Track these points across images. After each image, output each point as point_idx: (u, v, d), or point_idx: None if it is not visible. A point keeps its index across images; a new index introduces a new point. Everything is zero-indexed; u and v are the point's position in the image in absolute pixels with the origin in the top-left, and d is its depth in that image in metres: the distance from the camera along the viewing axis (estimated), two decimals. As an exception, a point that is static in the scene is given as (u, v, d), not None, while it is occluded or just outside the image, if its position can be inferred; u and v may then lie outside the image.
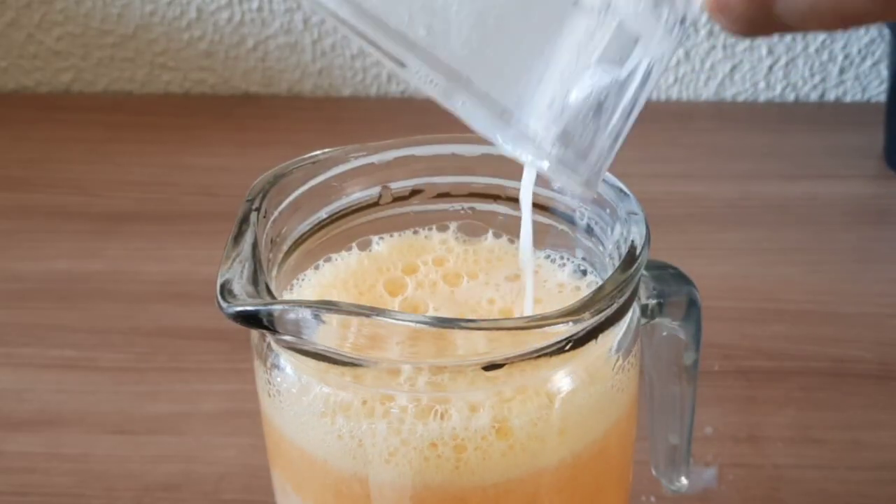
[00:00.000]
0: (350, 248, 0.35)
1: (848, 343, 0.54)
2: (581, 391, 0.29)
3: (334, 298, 0.33)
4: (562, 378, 0.29)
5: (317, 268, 0.35)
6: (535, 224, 0.35)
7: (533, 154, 0.25)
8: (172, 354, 0.54)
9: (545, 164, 0.25)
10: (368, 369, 0.28)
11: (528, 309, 0.31)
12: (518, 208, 0.33)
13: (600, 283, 0.30)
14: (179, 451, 0.48)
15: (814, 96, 0.82)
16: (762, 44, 0.80)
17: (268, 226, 0.32)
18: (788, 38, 0.80)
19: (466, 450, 0.28)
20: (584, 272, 0.34)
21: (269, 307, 0.27)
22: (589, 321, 0.28)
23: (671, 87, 0.82)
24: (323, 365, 0.28)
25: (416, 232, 0.36)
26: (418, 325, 0.27)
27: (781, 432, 0.48)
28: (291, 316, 0.27)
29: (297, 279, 0.34)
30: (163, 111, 0.81)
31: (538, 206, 0.35)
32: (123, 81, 0.84)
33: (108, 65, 0.83)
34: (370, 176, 0.35)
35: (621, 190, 0.32)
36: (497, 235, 0.36)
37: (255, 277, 0.28)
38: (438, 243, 0.36)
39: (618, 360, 0.30)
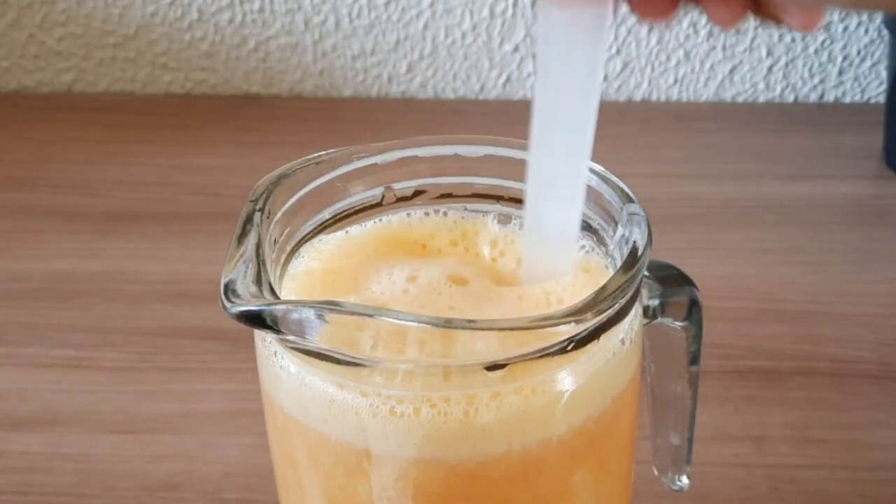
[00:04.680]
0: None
1: (847, 343, 0.55)
2: (583, 391, 0.29)
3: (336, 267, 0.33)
4: (564, 378, 0.29)
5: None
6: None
7: None
8: (174, 354, 0.54)
9: None
10: (371, 369, 0.28)
11: None
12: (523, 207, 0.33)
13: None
14: (181, 451, 0.48)
15: (813, 97, 0.82)
16: (762, 45, 0.80)
17: (271, 226, 0.32)
18: (788, 38, 0.80)
19: (469, 442, 0.28)
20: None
21: (273, 307, 0.27)
22: (591, 321, 0.28)
23: (671, 88, 0.82)
24: (326, 365, 0.28)
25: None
26: (421, 325, 0.27)
27: (781, 432, 0.49)
28: (295, 316, 0.27)
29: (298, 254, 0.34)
30: (164, 111, 0.81)
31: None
32: (125, 82, 0.84)
33: (109, 65, 0.83)
34: (373, 177, 0.35)
35: (623, 191, 0.32)
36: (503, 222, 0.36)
37: (259, 277, 0.28)
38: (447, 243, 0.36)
39: (620, 360, 0.30)
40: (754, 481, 0.46)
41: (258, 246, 0.29)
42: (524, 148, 0.34)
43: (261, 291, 0.28)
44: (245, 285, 0.28)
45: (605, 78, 0.80)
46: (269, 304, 0.27)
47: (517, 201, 0.35)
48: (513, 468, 0.29)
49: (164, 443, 0.48)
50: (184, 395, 0.51)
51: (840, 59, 0.81)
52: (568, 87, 0.29)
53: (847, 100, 0.82)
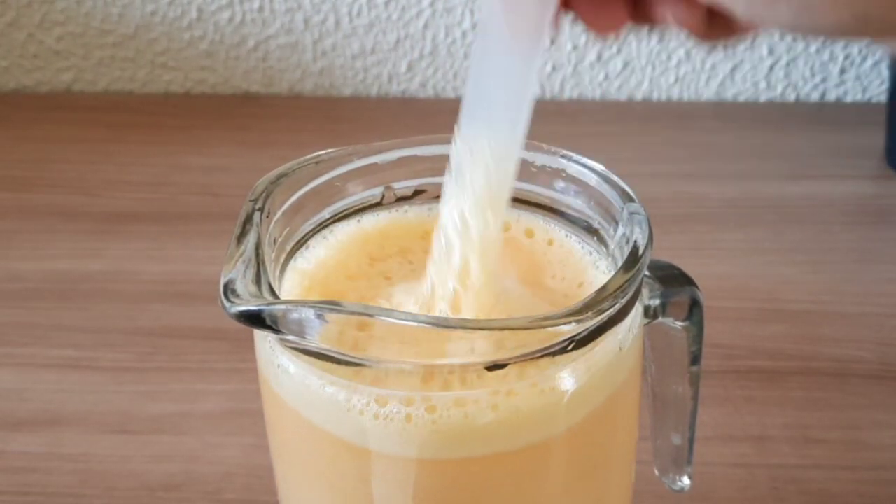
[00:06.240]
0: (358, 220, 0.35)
1: (848, 343, 0.54)
2: (583, 391, 0.29)
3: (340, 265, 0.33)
4: (564, 378, 0.29)
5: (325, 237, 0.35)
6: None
7: None
8: (173, 354, 0.54)
9: None
10: (370, 369, 0.28)
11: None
12: (523, 208, 0.33)
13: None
14: (180, 451, 0.48)
15: (815, 96, 0.82)
16: (763, 43, 0.80)
17: (271, 226, 0.32)
18: (789, 37, 0.80)
19: (469, 443, 0.28)
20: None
21: (272, 307, 0.27)
22: (592, 321, 0.28)
23: (672, 87, 0.82)
24: (326, 364, 0.28)
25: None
26: (421, 325, 0.27)
27: (782, 432, 0.48)
28: (294, 316, 0.27)
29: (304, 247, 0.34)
30: (163, 111, 0.81)
31: (539, 207, 0.35)
32: (124, 81, 0.84)
33: (108, 64, 0.83)
34: (373, 176, 0.35)
35: (624, 190, 0.32)
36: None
37: (259, 277, 0.28)
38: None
39: (620, 360, 0.30)
40: (755, 481, 0.46)
41: (258, 246, 0.29)
42: (524, 148, 0.34)
43: (260, 291, 0.28)
44: (244, 285, 0.28)
45: (606, 77, 0.80)
46: (268, 304, 0.27)
47: (517, 201, 0.35)
48: (512, 468, 0.29)
49: (164, 443, 0.48)
50: (184, 395, 0.51)
51: (841, 57, 0.81)
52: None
53: (848, 99, 0.82)
